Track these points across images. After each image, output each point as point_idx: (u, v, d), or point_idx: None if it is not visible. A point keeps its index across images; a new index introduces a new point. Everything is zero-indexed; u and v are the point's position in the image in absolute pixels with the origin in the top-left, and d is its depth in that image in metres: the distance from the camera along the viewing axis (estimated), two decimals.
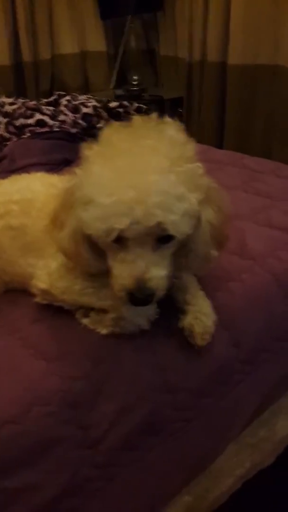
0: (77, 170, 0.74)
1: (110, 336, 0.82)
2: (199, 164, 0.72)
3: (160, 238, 0.70)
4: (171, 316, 0.85)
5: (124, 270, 0.71)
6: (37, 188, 0.93)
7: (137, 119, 0.75)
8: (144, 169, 0.67)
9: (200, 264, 0.80)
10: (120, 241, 0.70)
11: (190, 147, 0.73)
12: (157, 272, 0.70)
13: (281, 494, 1.22)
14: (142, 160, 0.68)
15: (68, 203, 0.74)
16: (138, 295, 0.70)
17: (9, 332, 0.85)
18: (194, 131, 2.54)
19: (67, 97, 1.79)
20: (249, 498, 1.16)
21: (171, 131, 0.72)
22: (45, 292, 0.85)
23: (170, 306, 0.87)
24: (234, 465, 1.05)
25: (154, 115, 0.75)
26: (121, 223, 0.66)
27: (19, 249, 0.91)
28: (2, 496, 0.72)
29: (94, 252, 0.76)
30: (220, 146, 2.42)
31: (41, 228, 0.87)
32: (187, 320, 0.83)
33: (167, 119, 0.75)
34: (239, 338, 0.92)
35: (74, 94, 1.84)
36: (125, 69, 2.97)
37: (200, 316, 0.83)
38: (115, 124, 0.75)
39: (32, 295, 0.88)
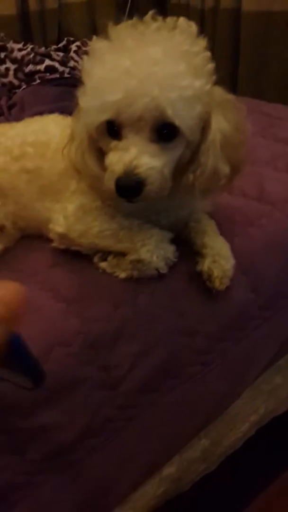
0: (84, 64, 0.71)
1: (129, 280, 0.81)
2: (209, 56, 0.69)
3: (161, 131, 0.67)
4: (190, 260, 0.84)
5: (115, 157, 0.68)
6: (51, 130, 0.91)
7: (149, 18, 0.71)
8: (149, 43, 0.65)
9: (209, 181, 0.73)
10: (117, 134, 0.68)
11: (202, 41, 0.70)
12: (149, 160, 0.66)
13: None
14: (148, 50, 0.65)
15: (77, 112, 0.73)
16: (124, 181, 0.66)
17: (27, 276, 0.84)
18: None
19: (77, 43, 1.73)
20: (262, 445, 1.19)
21: (184, 25, 0.70)
22: (62, 236, 0.83)
23: (188, 250, 0.85)
24: (249, 411, 1.07)
25: (170, 18, 0.72)
26: (113, 95, 0.63)
27: (35, 193, 0.89)
28: (26, 435, 0.73)
29: (99, 161, 0.73)
30: (234, 94, 2.38)
31: (57, 171, 0.86)
32: (206, 264, 0.82)
33: (182, 18, 0.71)
34: (257, 283, 0.91)
35: (84, 39, 1.78)
36: (135, 18, 2.87)
37: (219, 259, 0.82)
38: (127, 22, 0.71)
39: (49, 240, 0.87)
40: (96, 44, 0.69)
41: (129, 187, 0.67)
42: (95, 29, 2.91)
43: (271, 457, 1.21)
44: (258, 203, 1.01)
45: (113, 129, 0.69)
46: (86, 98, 0.69)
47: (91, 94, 0.68)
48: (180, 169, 0.73)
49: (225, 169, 0.73)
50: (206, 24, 2.55)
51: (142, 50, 0.64)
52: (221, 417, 0.99)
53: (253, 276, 0.91)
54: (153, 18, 0.70)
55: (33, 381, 0.30)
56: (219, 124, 0.70)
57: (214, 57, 2.47)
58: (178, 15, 2.57)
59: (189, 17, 2.60)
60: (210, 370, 0.88)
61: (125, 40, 0.67)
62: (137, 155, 0.66)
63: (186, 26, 0.70)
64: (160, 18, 0.71)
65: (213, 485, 1.09)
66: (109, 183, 0.68)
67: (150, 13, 0.71)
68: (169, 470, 0.91)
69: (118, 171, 0.67)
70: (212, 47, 2.55)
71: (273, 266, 0.94)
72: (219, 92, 0.72)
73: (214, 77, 0.71)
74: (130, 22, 0.70)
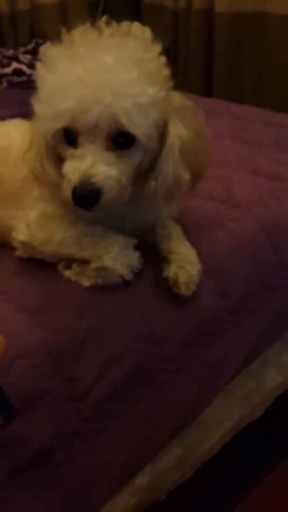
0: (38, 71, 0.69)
1: (94, 288, 0.80)
2: (163, 62, 0.69)
3: (117, 139, 0.66)
4: (155, 266, 0.83)
5: (71, 166, 0.67)
6: (12, 135, 0.90)
7: (103, 23, 0.70)
8: (102, 50, 0.64)
9: (170, 188, 0.73)
10: (74, 142, 0.67)
11: (156, 47, 0.70)
12: (105, 169, 0.66)
13: (270, 447, 1.24)
14: (101, 57, 0.64)
15: (34, 119, 0.72)
16: (80, 190, 0.65)
17: None
18: (181, 80, 2.46)
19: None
20: (238, 451, 1.18)
21: (138, 31, 0.69)
22: (25, 244, 0.82)
23: (154, 256, 0.84)
24: (223, 417, 1.06)
25: (125, 23, 0.71)
26: (66, 103, 0.63)
27: None
28: None
29: (58, 168, 0.72)
30: (209, 95, 2.37)
31: (19, 177, 0.84)
32: (171, 269, 0.81)
33: (136, 24, 0.71)
34: (225, 287, 0.91)
35: (53, 41, 1.76)
36: (107, 18, 2.86)
37: (185, 264, 0.81)
38: (82, 27, 0.70)
39: (13, 248, 0.85)
40: (49, 50, 0.68)
41: (86, 196, 0.66)
42: (68, 30, 2.90)
43: (249, 464, 1.20)
44: (225, 206, 1.01)
45: (69, 137, 0.68)
46: (40, 106, 0.67)
47: (45, 101, 0.66)
48: (141, 176, 0.72)
49: (186, 175, 0.72)
50: (179, 25, 2.55)
51: (94, 57, 0.64)
52: (195, 424, 0.97)
53: (221, 280, 0.90)
54: (107, 24, 0.69)
55: (4, 418, 0.30)
56: (177, 131, 0.70)
57: (188, 57, 2.49)
58: (151, 15, 2.59)
59: (162, 17, 2.61)
60: (180, 377, 0.87)
61: (77, 46, 0.66)
62: (93, 164, 0.65)
63: (139, 32, 0.69)
64: (113, 23, 0.70)
65: (190, 493, 1.08)
66: (66, 192, 0.67)
67: (103, 18, 0.70)
68: (141, 480, 0.90)
69: (74, 180, 0.66)
70: (186, 47, 2.56)
71: (241, 269, 0.93)
72: (177, 99, 0.72)
73: (170, 83, 0.71)
74: (83, 27, 0.69)
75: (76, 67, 0.63)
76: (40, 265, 0.84)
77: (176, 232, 0.87)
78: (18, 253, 0.84)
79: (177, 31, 2.58)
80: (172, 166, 0.71)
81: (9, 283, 0.83)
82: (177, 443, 0.96)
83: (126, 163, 0.68)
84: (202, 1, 2.36)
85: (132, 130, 0.65)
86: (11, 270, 0.85)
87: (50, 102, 0.65)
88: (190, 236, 0.88)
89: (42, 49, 0.68)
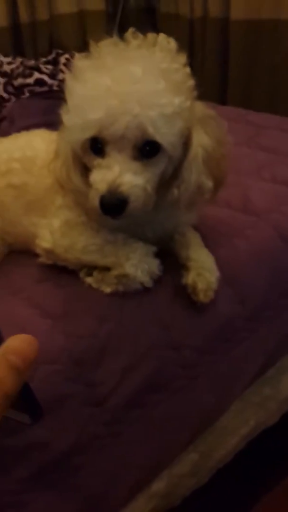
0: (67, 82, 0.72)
1: (114, 294, 0.81)
2: (188, 72, 0.71)
3: (143, 148, 0.68)
4: (175, 274, 0.85)
5: (99, 175, 0.69)
6: (38, 145, 0.92)
7: (130, 34, 0.72)
8: (130, 61, 0.66)
9: (193, 196, 0.75)
10: (101, 151, 0.69)
11: (181, 58, 0.71)
12: (132, 178, 0.68)
13: (285, 454, 1.24)
14: (128, 68, 0.66)
15: (61, 129, 0.74)
16: (108, 199, 0.67)
17: (14, 293, 0.84)
18: (197, 88, 2.48)
19: (66, 56, 1.75)
20: (253, 457, 1.18)
21: (164, 42, 0.71)
22: (48, 251, 0.84)
23: (174, 263, 0.86)
24: (239, 424, 1.06)
25: (151, 34, 0.73)
26: (95, 113, 0.65)
27: (22, 208, 0.90)
28: (12, 454, 0.73)
29: (84, 177, 0.75)
30: (224, 103, 2.38)
31: (43, 186, 0.87)
32: (190, 277, 0.82)
33: (162, 35, 0.72)
34: (243, 295, 0.91)
35: (73, 52, 1.79)
36: (125, 28, 2.89)
37: (203, 272, 0.82)
38: (109, 39, 0.72)
39: (36, 255, 0.87)
40: (78, 62, 0.70)
41: (113, 205, 0.68)
42: (86, 40, 2.93)
43: (262, 470, 1.20)
44: (243, 214, 1.02)
45: (96, 146, 0.69)
46: (69, 116, 0.69)
47: (74, 112, 0.68)
48: (164, 184, 0.74)
49: (209, 183, 0.73)
50: (195, 34, 2.57)
51: (122, 68, 0.65)
52: (210, 430, 0.98)
53: (239, 287, 0.91)
54: (134, 36, 0.71)
55: (31, 417, 0.32)
56: (201, 139, 0.71)
57: (204, 66, 2.49)
58: (167, 24, 2.61)
59: (178, 26, 2.62)
60: (197, 384, 0.88)
61: (105, 58, 0.68)
62: (120, 173, 0.67)
63: (165, 43, 0.71)
64: (140, 35, 0.72)
65: (204, 498, 1.08)
66: (94, 201, 0.69)
67: (131, 30, 0.72)
68: (159, 485, 0.91)
69: (102, 189, 0.68)
70: (201, 56, 2.58)
71: (259, 277, 0.94)
72: (200, 108, 0.73)
73: (194, 93, 0.72)
74: (111, 39, 0.71)
75: (104, 78, 0.65)
76: (62, 271, 0.86)
77: (195, 239, 0.88)
78: (41, 259, 0.86)
79: (193, 40, 2.60)
80: (195, 175, 0.72)
81: (32, 289, 0.85)
82: (193, 448, 0.96)
83: (151, 171, 0.70)
84: (218, 9, 2.39)
85: (159, 139, 0.66)
86: (35, 277, 0.87)
87: (79, 112, 0.67)
88: (209, 243, 0.90)
89: (72, 60, 0.71)
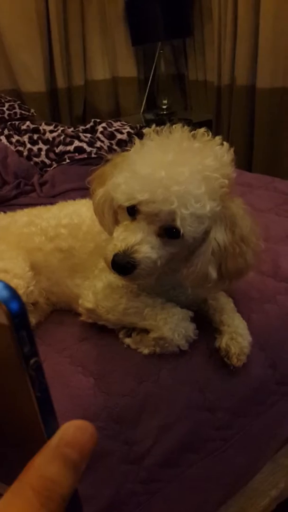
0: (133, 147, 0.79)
1: (151, 356, 0.86)
2: (226, 183, 0.76)
3: (168, 230, 0.74)
4: (209, 336, 0.89)
5: (122, 234, 0.75)
6: (83, 213, 1.00)
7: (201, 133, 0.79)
8: (184, 162, 0.72)
9: (197, 281, 0.80)
10: (134, 214, 0.75)
11: (230, 167, 0.78)
12: (148, 250, 0.74)
13: None
14: (179, 168, 0.72)
15: (107, 173, 0.82)
16: (120, 258, 0.73)
17: (58, 350, 0.90)
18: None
19: (103, 124, 1.87)
20: None
21: (220, 153, 0.77)
22: (90, 311, 0.90)
23: (208, 327, 0.91)
24: (269, 485, 1.07)
25: (217, 138, 0.80)
26: (141, 195, 0.72)
27: (67, 270, 0.97)
28: None
29: (114, 219, 0.82)
30: (249, 169, 2.45)
31: (87, 250, 0.94)
32: (223, 341, 0.87)
33: (225, 145, 0.79)
34: (275, 359, 0.95)
35: (109, 121, 1.92)
36: (155, 94, 3.06)
37: (236, 336, 0.87)
38: (179, 125, 0.79)
39: (78, 314, 0.93)
40: (147, 141, 0.78)
41: (122, 265, 0.74)
42: (118, 104, 3.11)
43: None
44: (273, 280, 1.07)
45: (132, 209, 0.76)
46: (120, 182, 0.76)
47: (125, 183, 0.75)
48: (181, 260, 0.80)
49: (213, 274, 0.77)
50: (222, 100, 2.70)
51: (175, 167, 0.72)
52: (242, 491, 0.99)
53: (271, 352, 0.95)
54: (202, 134, 0.79)
55: None
56: (217, 235, 0.76)
57: (231, 130, 2.58)
58: (196, 91, 2.74)
59: (206, 93, 2.75)
60: (230, 445, 0.91)
61: (166, 152, 0.74)
62: (140, 242, 0.74)
63: (221, 154, 0.77)
64: (207, 135, 0.79)
65: None
66: (108, 254, 0.75)
67: (202, 130, 0.79)
68: None
69: (119, 247, 0.74)
70: (228, 121, 2.69)
71: None
72: (236, 204, 0.78)
73: (227, 197, 0.77)
74: (178, 127, 0.79)
75: (159, 171, 0.71)
76: (102, 330, 0.91)
77: (228, 304, 0.93)
78: (82, 318, 0.92)
79: (220, 106, 2.72)
80: (202, 264, 0.77)
81: (75, 347, 0.90)
82: (225, 508, 0.98)
83: (167, 250, 0.76)
84: (245, 77, 2.51)
85: (184, 232, 0.73)
86: (77, 335, 0.93)
87: (130, 183, 0.74)
88: (240, 308, 0.94)
89: (145, 135, 0.80)
